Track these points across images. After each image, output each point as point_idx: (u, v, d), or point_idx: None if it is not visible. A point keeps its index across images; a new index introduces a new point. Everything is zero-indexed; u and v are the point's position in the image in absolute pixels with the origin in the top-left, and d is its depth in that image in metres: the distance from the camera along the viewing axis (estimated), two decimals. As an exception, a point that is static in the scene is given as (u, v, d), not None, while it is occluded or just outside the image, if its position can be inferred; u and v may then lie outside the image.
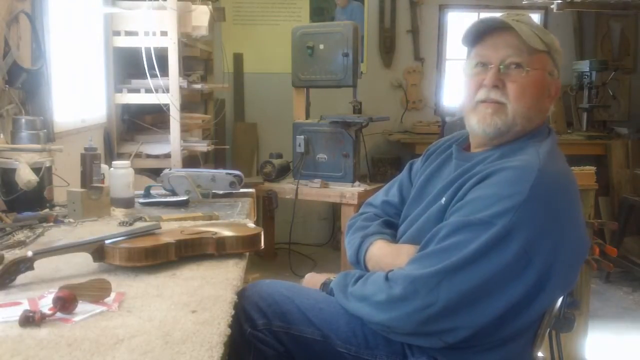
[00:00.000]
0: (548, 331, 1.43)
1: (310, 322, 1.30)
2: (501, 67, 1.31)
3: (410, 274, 1.20)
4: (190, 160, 3.44)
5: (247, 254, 1.46)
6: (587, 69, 4.51)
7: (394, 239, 1.46)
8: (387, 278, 1.23)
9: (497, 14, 1.38)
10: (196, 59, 3.98)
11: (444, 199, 1.32)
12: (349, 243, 1.52)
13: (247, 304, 1.31)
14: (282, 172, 3.78)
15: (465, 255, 1.16)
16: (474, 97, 1.35)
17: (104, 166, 2.04)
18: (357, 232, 1.51)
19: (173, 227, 1.57)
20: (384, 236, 1.45)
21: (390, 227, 1.51)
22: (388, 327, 1.23)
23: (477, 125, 1.34)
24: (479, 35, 1.36)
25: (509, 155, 1.29)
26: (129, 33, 3.11)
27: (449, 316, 1.16)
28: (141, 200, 2.07)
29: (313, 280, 1.53)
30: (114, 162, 2.04)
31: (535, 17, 4.85)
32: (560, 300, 1.37)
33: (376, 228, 1.49)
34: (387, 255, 1.38)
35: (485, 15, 4.72)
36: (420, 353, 1.26)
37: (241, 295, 1.30)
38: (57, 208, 1.91)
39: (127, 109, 3.43)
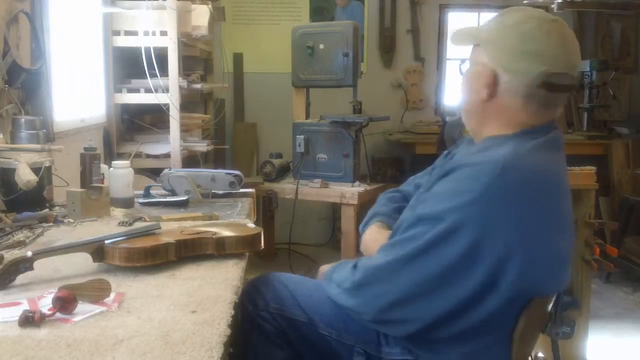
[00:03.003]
0: (549, 333, 1.41)
1: (299, 306, 1.40)
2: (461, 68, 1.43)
3: (372, 263, 1.28)
4: (190, 160, 3.43)
5: (247, 254, 1.46)
6: (588, 69, 4.50)
7: None
8: (354, 266, 1.33)
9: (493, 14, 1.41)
10: (196, 59, 3.97)
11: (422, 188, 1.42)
12: (367, 214, 1.63)
13: (252, 290, 1.44)
14: (282, 172, 3.77)
15: (416, 248, 1.21)
16: None
17: (103, 166, 2.04)
18: (374, 209, 1.63)
19: (173, 227, 1.56)
20: (388, 220, 1.54)
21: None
22: (356, 312, 1.31)
23: None
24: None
25: (485, 150, 1.29)
26: (128, 33, 3.10)
27: (400, 307, 1.22)
28: (141, 200, 2.07)
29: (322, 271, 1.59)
30: (113, 162, 2.04)
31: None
32: (551, 304, 1.33)
33: (387, 210, 1.58)
34: (374, 242, 1.47)
35: (486, 15, 4.76)
36: (395, 343, 1.34)
37: (248, 283, 1.46)
38: (56, 208, 1.91)
39: (126, 108, 3.42)
